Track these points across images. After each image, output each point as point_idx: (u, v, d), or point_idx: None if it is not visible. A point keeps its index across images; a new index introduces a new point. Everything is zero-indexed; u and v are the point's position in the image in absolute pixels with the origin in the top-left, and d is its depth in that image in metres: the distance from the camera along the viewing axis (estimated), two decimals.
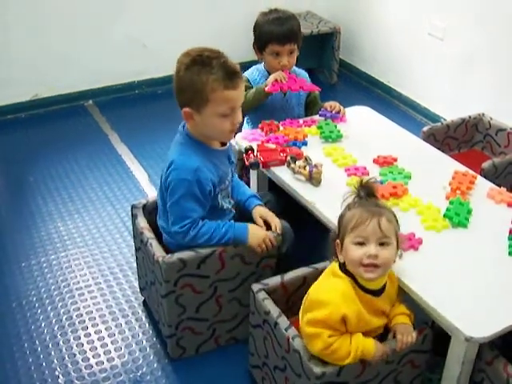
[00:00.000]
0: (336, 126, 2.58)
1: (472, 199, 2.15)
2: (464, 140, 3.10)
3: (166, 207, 2.05)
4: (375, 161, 2.37)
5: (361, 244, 1.65)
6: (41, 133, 3.84)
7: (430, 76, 3.97)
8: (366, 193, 1.72)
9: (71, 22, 3.94)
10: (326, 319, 1.65)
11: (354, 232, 1.65)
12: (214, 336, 2.25)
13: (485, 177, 2.59)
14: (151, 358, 2.26)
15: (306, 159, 2.31)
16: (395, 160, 2.37)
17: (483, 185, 2.25)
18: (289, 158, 2.32)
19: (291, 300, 2.03)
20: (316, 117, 2.68)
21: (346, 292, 1.68)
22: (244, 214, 2.21)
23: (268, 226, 2.15)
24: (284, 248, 2.19)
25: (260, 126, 2.58)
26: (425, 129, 2.93)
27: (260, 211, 2.20)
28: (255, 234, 2.07)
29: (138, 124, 3.88)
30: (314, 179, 2.23)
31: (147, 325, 2.39)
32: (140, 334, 2.36)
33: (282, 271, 2.03)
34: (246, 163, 2.36)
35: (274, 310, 1.87)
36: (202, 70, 1.88)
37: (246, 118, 2.79)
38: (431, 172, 2.32)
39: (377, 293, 1.72)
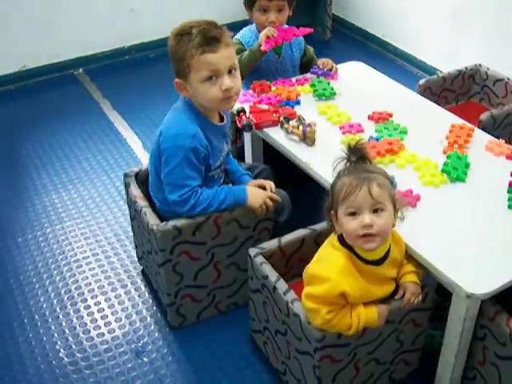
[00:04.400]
0: (329, 84, 2.51)
1: (470, 152, 2.10)
2: (461, 92, 3.03)
3: (160, 176, 2.00)
4: (370, 117, 2.31)
5: (354, 214, 1.58)
6: (31, 104, 3.78)
7: (424, 28, 3.88)
8: (357, 156, 1.65)
9: None
10: (325, 295, 1.61)
11: (344, 203, 1.59)
12: (214, 302, 2.23)
13: (483, 129, 2.54)
14: (152, 327, 2.25)
15: (300, 118, 2.26)
16: (390, 115, 2.31)
17: (481, 137, 2.20)
18: (282, 118, 2.27)
19: (290, 263, 2.00)
20: (308, 75, 2.62)
21: (345, 267, 1.63)
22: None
23: None
24: (282, 217, 2.16)
25: (251, 86, 2.52)
26: (421, 82, 2.86)
27: (253, 182, 2.18)
28: (254, 195, 2.03)
29: (130, 90, 3.80)
30: (307, 139, 2.17)
31: (147, 294, 2.38)
32: (140, 304, 2.34)
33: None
34: (239, 125, 2.31)
35: (272, 275, 1.84)
36: (182, 39, 1.86)
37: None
38: (428, 126, 2.27)
39: (379, 262, 1.67)
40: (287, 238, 1.97)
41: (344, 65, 2.71)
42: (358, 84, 2.57)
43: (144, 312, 2.31)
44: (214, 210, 1.99)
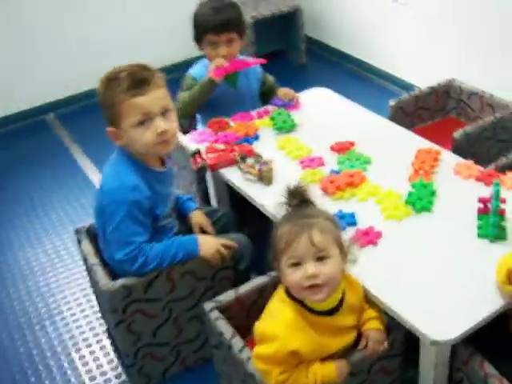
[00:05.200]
0: (289, 115, 2.39)
1: (437, 178, 1.96)
2: (437, 109, 2.91)
3: (106, 234, 1.87)
4: (332, 148, 2.18)
5: (296, 265, 1.44)
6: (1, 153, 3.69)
7: (399, 44, 3.76)
8: (297, 200, 1.52)
9: (21, 35, 3.78)
10: (274, 355, 1.47)
11: (285, 254, 1.45)
12: (179, 359, 2.08)
13: (458, 148, 2.41)
14: None
15: (257, 156, 2.13)
16: (352, 144, 2.18)
17: (449, 160, 2.06)
18: (238, 157, 2.14)
19: (251, 313, 1.85)
20: (269, 107, 2.50)
21: (293, 322, 1.49)
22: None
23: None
24: (243, 264, 2.02)
25: (208, 124, 2.40)
26: (391, 103, 2.73)
27: (198, 217, 2.08)
28: (206, 244, 1.90)
29: (101, 134, 3.66)
30: (264, 178, 2.05)
31: (111, 354, 2.23)
32: (105, 365, 2.20)
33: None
34: (194, 168, 2.18)
35: (226, 331, 1.70)
36: (110, 84, 1.76)
37: (199, 118, 2.61)
38: (393, 153, 2.13)
39: (332, 312, 1.53)
40: (244, 287, 1.83)
41: (307, 92, 2.60)
42: (321, 113, 2.45)
43: (109, 373, 2.17)
44: (168, 265, 1.86)
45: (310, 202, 1.54)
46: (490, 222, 1.68)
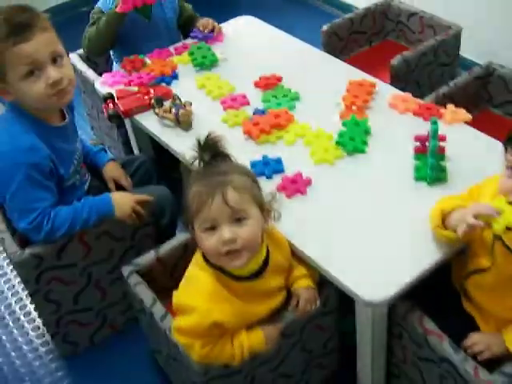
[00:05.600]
0: (210, 49, 2.17)
1: (371, 114, 1.80)
2: (374, 32, 2.72)
3: (6, 203, 1.66)
4: (257, 84, 1.99)
5: (211, 229, 1.28)
6: None
7: None
8: (211, 154, 1.34)
9: None
10: (194, 328, 1.33)
11: (198, 217, 1.28)
12: (106, 322, 1.94)
13: (397, 75, 2.24)
14: (44, 359, 1.97)
15: (174, 98, 1.93)
16: (279, 80, 1.99)
17: (385, 93, 1.89)
18: (153, 100, 1.93)
19: (176, 274, 1.70)
20: (188, 41, 2.27)
21: (213, 291, 1.34)
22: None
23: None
24: (164, 220, 1.85)
25: (122, 64, 2.16)
26: (324, 28, 2.53)
27: (112, 171, 1.90)
28: (121, 203, 1.72)
29: None
30: (181, 123, 1.85)
31: (37, 320, 2.07)
32: (30, 333, 2.05)
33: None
34: (105, 115, 1.97)
35: (147, 298, 1.55)
36: None
37: (112, 56, 2.37)
38: (323, 87, 1.95)
39: (256, 275, 1.38)
40: (165, 247, 1.67)
41: (230, 22, 2.37)
42: (246, 45, 2.24)
43: (35, 342, 2.02)
44: (81, 228, 1.68)
45: (225, 154, 1.37)
46: (428, 164, 1.53)
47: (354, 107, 1.81)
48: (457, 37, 2.43)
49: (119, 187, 1.89)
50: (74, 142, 1.76)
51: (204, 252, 1.33)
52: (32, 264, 1.67)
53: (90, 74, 2.28)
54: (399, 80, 2.27)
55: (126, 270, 1.63)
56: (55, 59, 1.55)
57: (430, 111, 1.76)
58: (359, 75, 1.96)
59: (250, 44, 2.23)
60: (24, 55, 1.50)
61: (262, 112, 1.84)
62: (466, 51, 2.76)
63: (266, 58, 2.13)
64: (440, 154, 1.58)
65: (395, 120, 1.78)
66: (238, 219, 1.28)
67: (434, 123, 1.51)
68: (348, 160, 1.67)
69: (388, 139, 1.71)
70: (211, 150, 1.33)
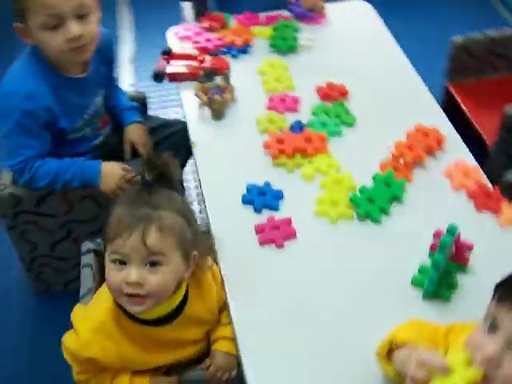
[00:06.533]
0: (297, 30, 1.88)
1: (416, 176, 1.46)
2: None
3: None
4: (318, 90, 1.69)
5: (121, 263, 1.10)
6: None
7: None
8: (154, 174, 1.14)
9: None
10: (72, 353, 1.20)
11: (111, 245, 1.11)
12: None
13: (506, 128, 1.83)
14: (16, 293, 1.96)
15: (225, 77, 1.71)
16: (344, 95, 1.67)
17: (450, 154, 1.52)
18: (201, 72, 1.72)
19: None
20: (285, 13, 1.99)
21: (102, 326, 1.18)
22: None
23: None
24: None
25: (201, 18, 1.95)
26: (457, 39, 2.11)
27: (132, 133, 1.75)
28: (108, 177, 1.59)
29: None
30: (212, 110, 1.64)
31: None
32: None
33: None
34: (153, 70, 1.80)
35: (84, 284, 1.40)
36: None
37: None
38: (386, 121, 1.62)
39: (160, 321, 1.20)
40: None
41: (340, 4, 2.03)
42: (340, 37, 1.91)
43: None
44: (62, 187, 1.60)
45: (171, 183, 1.16)
46: (428, 275, 1.21)
47: (401, 160, 1.48)
48: None
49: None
50: (93, 95, 1.64)
51: (106, 282, 1.16)
52: (10, 202, 1.64)
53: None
54: (509, 133, 1.85)
55: (84, 246, 1.50)
56: (80, 14, 1.43)
57: (487, 200, 1.39)
58: (436, 121, 1.60)
59: (343, 38, 1.89)
60: (46, 5, 1.41)
61: (300, 128, 1.57)
62: None
63: (347, 61, 1.80)
64: (457, 264, 1.24)
65: (438, 195, 1.43)
66: (152, 263, 1.10)
67: (450, 230, 1.16)
68: (354, 225, 1.37)
69: (416, 218, 1.38)
70: (157, 170, 1.14)
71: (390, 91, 1.70)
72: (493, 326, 0.88)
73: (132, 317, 1.18)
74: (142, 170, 1.15)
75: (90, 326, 1.18)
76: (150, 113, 2.05)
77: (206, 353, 1.32)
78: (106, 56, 1.66)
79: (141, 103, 1.89)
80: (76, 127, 1.61)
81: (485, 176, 1.46)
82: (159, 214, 1.10)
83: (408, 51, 1.85)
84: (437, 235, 1.28)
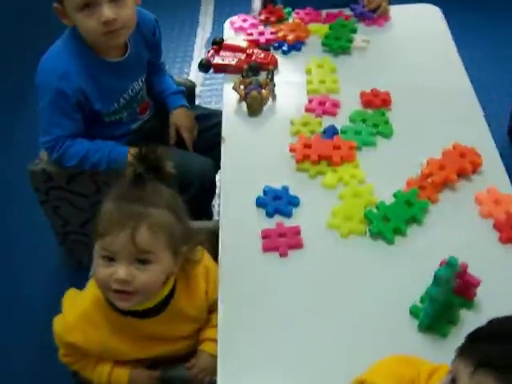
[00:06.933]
0: (354, 31, 1.81)
1: (443, 198, 1.37)
2: None
3: None
4: (361, 95, 1.62)
5: (110, 259, 1.10)
6: None
7: None
8: (144, 168, 1.13)
9: None
10: (57, 335, 1.22)
11: (100, 241, 1.10)
12: None
13: None
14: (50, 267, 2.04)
15: (269, 73, 1.67)
16: (386, 104, 1.59)
17: (486, 177, 1.41)
18: (246, 65, 1.70)
19: None
20: (346, 11, 1.91)
21: (86, 314, 1.20)
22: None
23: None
24: (191, 190, 1.68)
25: (261, 10, 1.93)
26: None
27: (178, 117, 1.74)
28: None
29: None
30: (248, 106, 1.61)
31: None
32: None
33: None
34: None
35: None
36: None
37: None
38: (427, 135, 1.52)
39: (145, 314, 1.20)
40: None
41: (406, 7, 1.93)
42: (398, 42, 1.81)
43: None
44: (90, 168, 1.63)
45: (163, 178, 1.15)
46: (424, 307, 1.13)
47: (428, 180, 1.39)
48: None
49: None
50: (131, 79, 1.65)
51: (95, 277, 1.17)
52: (42, 178, 1.69)
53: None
54: None
55: None
56: None
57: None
58: (477, 139, 1.48)
59: (401, 44, 1.80)
60: None
61: (332, 134, 1.51)
62: None
63: (400, 69, 1.71)
64: (461, 299, 1.16)
65: (461, 220, 1.33)
66: (141, 260, 1.10)
67: (450, 263, 1.08)
68: (364, 242, 1.30)
69: (433, 242, 1.29)
70: (148, 163, 1.12)
71: (438, 105, 1.60)
72: (454, 381, 0.81)
73: (115, 308, 1.18)
74: (134, 163, 1.13)
75: (75, 311, 1.20)
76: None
77: (194, 351, 1.31)
78: (149, 41, 1.67)
79: (188, 92, 1.89)
80: (111, 110, 1.62)
81: None
82: (149, 211, 1.09)
83: (472, 61, 1.73)
84: (443, 262, 1.19)
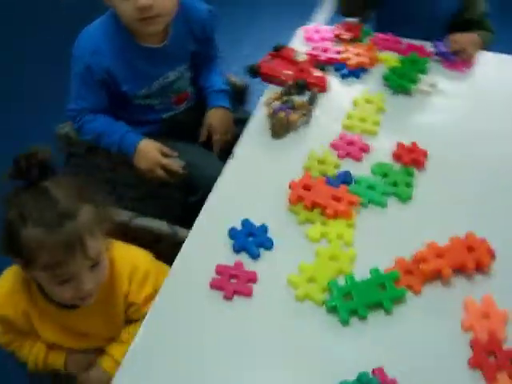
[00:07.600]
0: (424, 71, 1.61)
1: (427, 293, 1.18)
2: None
3: None
4: (397, 145, 1.44)
5: (65, 281, 1.09)
6: None
7: None
8: (37, 172, 1.06)
9: None
10: None
11: (48, 271, 1.07)
12: None
13: None
14: None
15: (311, 95, 1.55)
16: (419, 163, 1.40)
17: (487, 282, 1.20)
18: (290, 82, 1.58)
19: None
20: (430, 47, 1.71)
21: (18, 289, 1.20)
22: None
23: None
24: (193, 198, 1.62)
25: (338, 23, 1.77)
26: None
27: (212, 118, 1.67)
28: (144, 157, 1.58)
29: None
30: (271, 126, 1.49)
31: None
32: None
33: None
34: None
35: None
36: None
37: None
38: (446, 211, 1.33)
39: (66, 305, 1.20)
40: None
41: (503, 57, 1.68)
42: (471, 95, 1.59)
43: None
44: (103, 146, 1.61)
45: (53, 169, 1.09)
46: None
47: (421, 266, 1.20)
48: None
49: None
50: (167, 67, 1.60)
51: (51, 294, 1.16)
52: (65, 141, 1.70)
53: None
54: None
55: None
56: None
57: (485, 362, 1.08)
58: (484, 225, 1.27)
59: (472, 98, 1.57)
60: None
61: (342, 181, 1.36)
62: None
63: (455, 125, 1.51)
64: None
65: (437, 325, 1.13)
66: (94, 265, 1.11)
67: (359, 378, 0.92)
68: (318, 312, 1.16)
69: (394, 337, 1.12)
70: (41, 165, 1.06)
71: (480, 183, 1.38)
72: None
73: (46, 296, 1.18)
74: (25, 168, 1.04)
75: (9, 287, 1.20)
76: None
77: None
78: (197, 33, 1.59)
79: (238, 92, 1.79)
80: (140, 94, 1.58)
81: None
82: (78, 219, 1.05)
83: None
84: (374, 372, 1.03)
